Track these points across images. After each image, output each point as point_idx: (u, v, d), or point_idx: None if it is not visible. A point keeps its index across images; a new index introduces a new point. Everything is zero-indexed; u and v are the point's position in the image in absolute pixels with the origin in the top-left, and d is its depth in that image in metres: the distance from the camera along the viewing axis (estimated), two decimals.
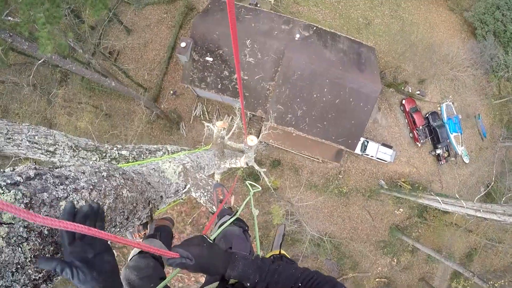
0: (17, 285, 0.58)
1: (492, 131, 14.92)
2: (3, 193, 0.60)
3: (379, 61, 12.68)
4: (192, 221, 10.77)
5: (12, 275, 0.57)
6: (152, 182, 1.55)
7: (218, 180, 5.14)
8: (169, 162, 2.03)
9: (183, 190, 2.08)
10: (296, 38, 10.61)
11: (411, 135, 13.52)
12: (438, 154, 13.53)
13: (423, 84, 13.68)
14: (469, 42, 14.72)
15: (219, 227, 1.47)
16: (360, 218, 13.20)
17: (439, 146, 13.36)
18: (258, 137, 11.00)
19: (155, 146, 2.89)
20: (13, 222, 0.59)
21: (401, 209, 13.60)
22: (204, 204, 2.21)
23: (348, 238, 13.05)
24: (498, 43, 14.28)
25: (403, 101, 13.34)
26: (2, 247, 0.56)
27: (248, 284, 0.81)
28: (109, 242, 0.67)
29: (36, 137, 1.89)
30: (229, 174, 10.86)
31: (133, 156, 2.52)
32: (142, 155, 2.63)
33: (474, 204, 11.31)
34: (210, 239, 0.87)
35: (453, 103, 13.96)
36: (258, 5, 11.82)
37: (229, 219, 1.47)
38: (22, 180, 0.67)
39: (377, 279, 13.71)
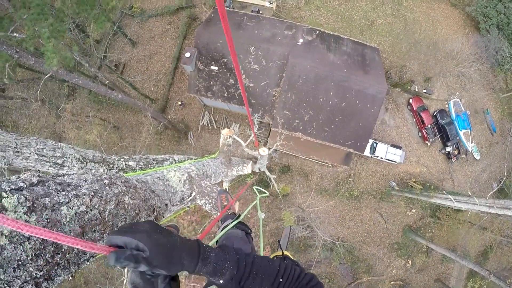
0: (19, 280, 0.60)
1: (502, 126, 14.67)
2: (7, 197, 0.64)
3: (383, 62, 12.62)
4: (203, 230, 10.77)
5: (14, 271, 0.60)
6: (157, 190, 1.57)
7: (227, 188, 5.15)
8: (174, 171, 2.05)
9: (188, 198, 2.10)
10: (300, 43, 10.63)
11: (420, 134, 13.36)
12: (448, 152, 13.34)
13: (429, 82, 13.54)
14: (473, 36, 14.56)
15: (222, 230, 1.47)
16: (373, 221, 13.05)
17: (449, 144, 13.18)
18: (266, 143, 10.98)
19: (162, 156, 2.91)
20: None
21: (413, 210, 13.41)
22: (209, 211, 2.21)
23: (361, 242, 12.89)
24: (502, 36, 14.09)
25: (410, 101, 13.21)
26: (5, 245, 0.59)
27: (222, 281, 0.67)
28: None
29: (44, 150, 1.93)
30: (239, 182, 10.85)
31: (140, 166, 2.55)
32: (149, 165, 2.65)
33: (487, 201, 11.11)
34: (164, 226, 0.67)
35: (460, 99, 13.79)
36: (260, 12, 11.89)
37: (231, 222, 1.47)
38: (25, 186, 0.71)
39: (392, 282, 13.47)
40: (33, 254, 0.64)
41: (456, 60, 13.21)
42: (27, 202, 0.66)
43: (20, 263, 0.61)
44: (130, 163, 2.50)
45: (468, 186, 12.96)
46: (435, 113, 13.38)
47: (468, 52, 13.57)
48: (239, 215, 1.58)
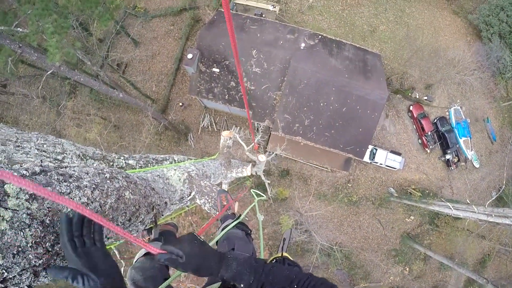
0: (17, 267, 0.60)
1: (502, 134, 14.69)
2: (9, 183, 0.63)
3: (385, 68, 12.65)
4: (202, 231, 10.73)
5: (13, 257, 0.60)
6: (157, 188, 1.58)
7: (226, 189, 5.13)
8: (174, 169, 2.06)
9: (188, 197, 2.11)
10: (302, 47, 10.66)
11: (419, 141, 13.37)
12: (448, 159, 13.34)
13: (430, 89, 13.58)
14: (474, 45, 14.62)
15: (222, 230, 1.48)
16: (371, 227, 13.01)
17: (449, 151, 13.18)
18: (266, 146, 10.95)
19: (162, 156, 2.92)
20: (17, 209, 0.63)
21: (411, 217, 13.38)
22: (208, 211, 2.21)
23: (359, 248, 12.85)
24: (504, 44, 14.14)
25: (411, 107, 13.24)
26: (6, 230, 0.59)
27: (242, 286, 0.78)
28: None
29: (45, 146, 1.92)
30: (238, 185, 10.83)
31: (140, 165, 2.55)
32: (149, 164, 2.65)
33: (485, 209, 11.12)
34: (201, 238, 0.84)
35: (461, 107, 13.81)
36: (263, 15, 11.93)
37: (232, 222, 1.48)
38: (28, 174, 0.71)
39: None
40: (33, 242, 0.64)
41: (457, 68, 13.24)
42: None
43: (20, 249, 0.61)
44: (130, 161, 2.50)
45: (467, 194, 12.95)
46: (436, 120, 13.40)
47: (470, 60, 13.61)
48: (240, 215, 1.58)
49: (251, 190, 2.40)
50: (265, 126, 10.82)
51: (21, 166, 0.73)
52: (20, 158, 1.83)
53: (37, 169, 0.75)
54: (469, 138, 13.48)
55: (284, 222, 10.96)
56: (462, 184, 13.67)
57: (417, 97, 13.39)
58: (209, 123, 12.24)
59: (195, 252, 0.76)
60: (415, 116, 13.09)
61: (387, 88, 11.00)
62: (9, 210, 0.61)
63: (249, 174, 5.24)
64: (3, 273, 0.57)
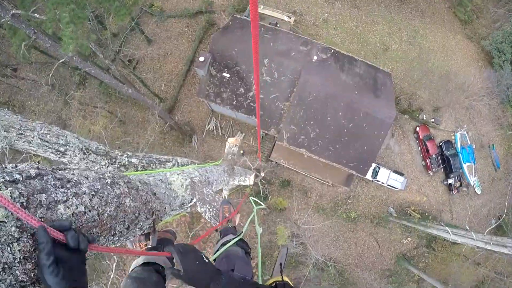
0: (3, 285, 0.56)
1: (506, 162, 14.59)
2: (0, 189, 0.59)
3: (395, 87, 12.64)
4: (194, 234, 10.69)
5: None
6: (158, 193, 1.53)
7: (225, 196, 5.10)
8: (177, 174, 2.02)
9: (188, 203, 2.06)
10: (314, 60, 10.69)
11: (423, 163, 13.31)
12: (450, 183, 13.26)
13: (438, 112, 13.55)
14: (485, 71, 14.60)
15: (222, 245, 1.45)
16: (367, 245, 12.92)
17: (452, 175, 13.11)
18: (270, 155, 10.86)
19: (165, 157, 2.86)
20: (5, 221, 0.57)
21: (409, 238, 13.28)
22: (209, 220, 2.16)
23: (353, 265, 12.75)
24: None
25: (417, 129, 13.20)
26: None
27: None
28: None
29: (48, 136, 1.89)
30: (237, 191, 10.80)
31: (142, 164, 2.51)
32: (152, 164, 2.62)
33: (484, 237, 11.02)
34: (205, 256, 0.96)
35: (467, 132, 13.76)
36: (278, 25, 11.99)
37: (233, 239, 1.45)
38: (21, 179, 0.65)
39: None
40: (21, 257, 0.58)
41: (467, 92, 13.22)
42: (21, 197, 0.61)
43: (6, 266, 0.56)
44: (133, 160, 2.46)
45: (466, 220, 12.83)
46: (441, 143, 13.34)
47: (479, 86, 13.59)
48: (241, 232, 1.56)
49: (250, 198, 2.37)
50: (270, 135, 10.82)
51: (15, 168, 0.67)
52: (22, 146, 1.82)
53: (33, 172, 0.69)
54: (473, 164, 13.40)
55: (280, 233, 10.91)
56: (462, 210, 13.57)
57: (424, 118, 13.36)
58: (214, 127, 12.27)
59: (193, 269, 0.89)
60: (420, 137, 13.05)
61: (395, 108, 10.98)
62: None
63: (252, 183, 5.21)
64: None
